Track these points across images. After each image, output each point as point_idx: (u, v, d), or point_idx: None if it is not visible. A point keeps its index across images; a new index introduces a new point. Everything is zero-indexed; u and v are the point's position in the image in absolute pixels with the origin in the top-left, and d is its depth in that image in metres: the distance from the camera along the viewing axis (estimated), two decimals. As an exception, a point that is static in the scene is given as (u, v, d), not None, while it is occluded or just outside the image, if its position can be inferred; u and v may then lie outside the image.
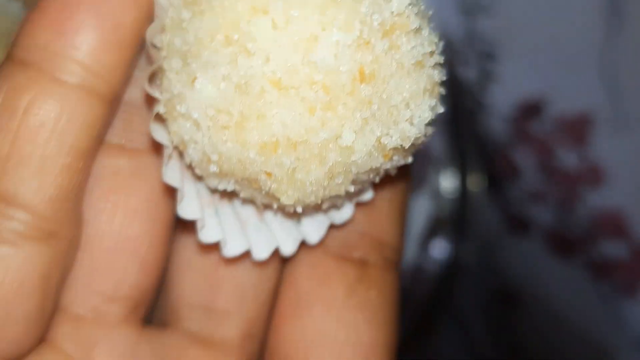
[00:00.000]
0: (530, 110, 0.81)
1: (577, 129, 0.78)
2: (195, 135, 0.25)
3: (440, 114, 0.43)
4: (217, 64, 0.23)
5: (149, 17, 0.25)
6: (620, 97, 0.73)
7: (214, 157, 0.25)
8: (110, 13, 0.24)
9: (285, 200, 0.25)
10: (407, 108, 0.24)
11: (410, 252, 0.56)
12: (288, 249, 0.30)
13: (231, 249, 0.29)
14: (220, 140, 0.24)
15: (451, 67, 0.83)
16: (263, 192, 0.26)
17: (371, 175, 0.27)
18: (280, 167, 0.24)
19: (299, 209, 0.27)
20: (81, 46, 0.24)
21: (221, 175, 0.26)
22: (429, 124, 0.25)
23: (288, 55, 0.22)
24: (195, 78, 0.24)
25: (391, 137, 0.24)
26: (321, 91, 0.23)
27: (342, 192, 0.26)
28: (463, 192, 0.78)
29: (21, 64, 0.24)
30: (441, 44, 0.26)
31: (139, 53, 0.27)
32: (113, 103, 0.26)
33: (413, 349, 0.83)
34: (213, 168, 0.25)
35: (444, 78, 0.26)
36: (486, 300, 0.91)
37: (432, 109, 0.25)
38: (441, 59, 0.26)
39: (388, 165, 0.26)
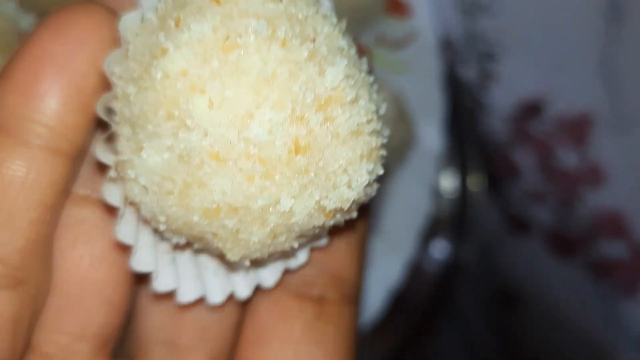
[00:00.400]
0: (530, 110, 0.81)
1: (577, 129, 0.78)
2: (144, 197, 0.27)
3: (441, 114, 0.44)
4: (161, 136, 0.25)
5: (108, 83, 0.27)
6: (620, 97, 0.73)
7: (162, 219, 0.27)
8: (73, 79, 0.27)
9: (231, 257, 0.27)
10: (345, 173, 0.26)
11: (411, 252, 0.57)
12: (243, 293, 0.31)
13: (185, 296, 0.31)
14: (166, 204, 0.26)
15: (451, 67, 0.83)
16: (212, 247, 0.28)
17: (317, 231, 0.28)
18: (223, 229, 0.26)
19: (247, 263, 0.29)
20: (46, 110, 0.26)
21: (170, 232, 0.28)
22: (368, 185, 0.27)
23: (224, 132, 0.24)
24: (142, 147, 0.26)
25: (330, 200, 0.26)
26: (258, 163, 0.24)
27: (287, 248, 0.28)
28: (463, 192, 0.79)
29: None
30: (383, 107, 0.28)
31: None
32: (77, 159, 0.28)
33: (413, 349, 0.83)
34: (162, 227, 0.27)
35: (384, 141, 0.27)
36: (486, 300, 0.91)
37: (370, 172, 0.26)
38: (379, 125, 0.27)
39: (331, 222, 0.28)
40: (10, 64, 0.27)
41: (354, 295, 0.35)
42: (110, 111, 0.28)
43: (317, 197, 0.26)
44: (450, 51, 0.82)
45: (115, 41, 0.27)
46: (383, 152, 0.28)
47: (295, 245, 0.28)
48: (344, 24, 0.28)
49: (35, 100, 0.26)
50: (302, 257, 0.32)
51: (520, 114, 0.81)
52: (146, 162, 0.26)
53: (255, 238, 0.26)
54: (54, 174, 0.27)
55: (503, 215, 0.90)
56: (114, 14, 0.27)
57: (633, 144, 0.75)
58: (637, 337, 0.82)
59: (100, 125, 0.29)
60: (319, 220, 0.27)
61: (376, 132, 0.27)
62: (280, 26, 0.25)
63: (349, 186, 0.26)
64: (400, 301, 0.67)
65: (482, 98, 0.83)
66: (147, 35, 0.26)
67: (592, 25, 0.72)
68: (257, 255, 0.27)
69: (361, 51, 0.30)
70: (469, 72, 0.82)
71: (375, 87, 0.28)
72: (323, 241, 0.32)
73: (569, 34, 0.75)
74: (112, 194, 0.28)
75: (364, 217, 0.33)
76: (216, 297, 0.31)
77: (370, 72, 0.28)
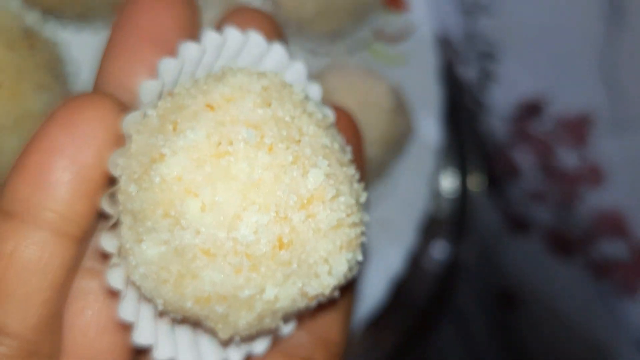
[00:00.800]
0: (530, 110, 0.81)
1: (577, 129, 0.79)
2: (144, 282, 0.30)
3: (439, 107, 0.45)
4: (158, 231, 0.28)
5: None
6: (620, 97, 0.74)
7: (159, 301, 0.30)
8: (80, 170, 0.29)
9: (222, 335, 0.30)
10: (326, 263, 0.28)
11: (411, 242, 0.58)
12: (257, 349, 0.34)
13: None
14: (163, 291, 0.29)
15: (451, 66, 0.83)
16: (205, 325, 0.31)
17: (301, 311, 0.31)
18: (214, 313, 0.29)
19: (237, 339, 0.32)
20: (56, 198, 0.29)
21: (167, 311, 0.31)
22: (349, 270, 0.29)
23: (214, 231, 0.27)
24: (142, 240, 0.29)
25: (312, 287, 0.29)
26: (245, 258, 0.27)
27: (273, 326, 0.31)
28: (463, 192, 0.79)
29: (7, 214, 0.29)
30: (364, 196, 0.31)
31: None
32: (85, 239, 0.31)
33: (413, 348, 0.83)
34: (160, 307, 0.30)
35: (364, 229, 0.30)
36: (486, 300, 0.92)
37: (350, 260, 0.29)
38: (358, 217, 0.30)
39: (314, 304, 0.31)
40: (22, 155, 0.30)
41: (339, 354, 0.38)
42: (113, 199, 0.31)
43: (299, 285, 0.29)
44: (450, 51, 0.83)
45: (119, 133, 0.30)
46: (363, 239, 0.30)
47: (281, 324, 0.31)
48: (329, 119, 0.31)
49: (46, 189, 0.29)
50: (289, 327, 0.34)
51: (520, 114, 0.82)
52: (145, 253, 0.29)
53: (244, 321, 0.29)
54: (64, 256, 0.30)
55: (503, 215, 0.91)
56: (117, 103, 0.30)
57: (633, 144, 0.75)
58: (637, 336, 0.82)
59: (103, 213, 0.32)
60: (302, 303, 0.30)
61: (355, 224, 0.29)
62: (267, 132, 0.28)
63: (330, 274, 0.29)
64: (401, 301, 0.68)
65: (482, 98, 0.83)
66: (148, 133, 0.29)
67: (592, 26, 0.72)
68: (245, 333, 0.31)
69: (350, 136, 0.34)
70: (469, 72, 0.83)
71: (356, 177, 0.31)
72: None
73: (569, 34, 0.75)
74: (115, 278, 0.31)
75: (349, 288, 0.36)
76: None
77: (352, 160, 0.31)
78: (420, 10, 0.57)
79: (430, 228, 0.72)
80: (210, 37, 0.31)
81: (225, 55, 0.32)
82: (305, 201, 0.28)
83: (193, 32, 0.33)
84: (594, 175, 0.79)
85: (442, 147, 0.62)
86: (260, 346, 0.34)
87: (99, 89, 0.32)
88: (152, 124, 0.29)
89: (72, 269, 0.31)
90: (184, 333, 0.33)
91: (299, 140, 0.29)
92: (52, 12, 0.42)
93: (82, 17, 0.43)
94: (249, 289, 0.28)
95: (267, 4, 0.46)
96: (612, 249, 0.80)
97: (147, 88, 0.30)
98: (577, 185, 0.81)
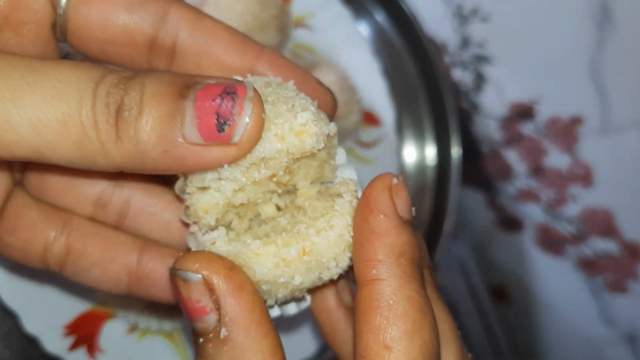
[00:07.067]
0: (523, 112, 0.83)
1: (569, 130, 0.81)
2: None
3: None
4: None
5: None
6: (609, 100, 0.75)
7: None
8: None
9: (268, 303, 0.42)
10: (334, 260, 0.40)
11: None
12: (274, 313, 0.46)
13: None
14: None
15: (447, 69, 0.85)
16: None
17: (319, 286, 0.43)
18: (261, 290, 0.41)
19: (278, 304, 0.44)
20: None
21: None
22: (350, 261, 0.40)
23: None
24: (214, 242, 0.40)
25: (325, 274, 0.41)
26: (280, 260, 0.40)
27: (302, 295, 0.44)
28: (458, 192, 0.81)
29: None
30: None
31: None
32: None
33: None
34: None
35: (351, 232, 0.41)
36: (480, 296, 0.94)
37: (350, 258, 0.40)
38: (350, 231, 0.40)
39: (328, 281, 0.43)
40: None
41: None
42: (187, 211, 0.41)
43: (317, 274, 0.40)
44: (446, 54, 0.84)
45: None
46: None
47: (306, 295, 0.44)
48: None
49: None
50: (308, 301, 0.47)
51: (513, 116, 0.83)
52: (218, 250, 0.40)
53: (281, 294, 0.41)
54: None
55: (496, 214, 0.92)
56: None
57: (621, 146, 0.77)
58: (626, 331, 0.85)
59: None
60: (318, 283, 0.41)
61: (349, 232, 0.40)
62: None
63: (337, 266, 0.40)
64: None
65: (476, 100, 0.85)
66: None
67: (583, 30, 0.74)
68: (282, 300, 0.43)
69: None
70: (464, 75, 0.84)
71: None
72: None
73: (561, 39, 0.76)
74: (191, 244, 0.43)
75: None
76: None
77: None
78: (389, 125, 0.67)
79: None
80: None
81: None
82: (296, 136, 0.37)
83: None
84: (584, 176, 0.81)
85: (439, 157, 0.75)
86: (291, 309, 0.46)
87: None
88: None
89: None
90: None
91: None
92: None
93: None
94: (283, 278, 0.40)
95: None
96: (602, 246, 0.82)
97: None
98: (568, 185, 0.83)
